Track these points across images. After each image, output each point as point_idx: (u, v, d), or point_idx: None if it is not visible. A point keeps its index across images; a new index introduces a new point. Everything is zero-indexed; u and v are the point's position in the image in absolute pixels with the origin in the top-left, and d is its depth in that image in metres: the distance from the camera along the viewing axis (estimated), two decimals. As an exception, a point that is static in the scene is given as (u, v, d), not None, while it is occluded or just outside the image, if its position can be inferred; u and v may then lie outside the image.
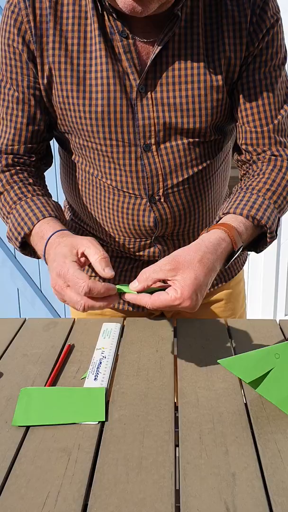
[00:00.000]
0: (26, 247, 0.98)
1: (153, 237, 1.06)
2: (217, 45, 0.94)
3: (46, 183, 1.07)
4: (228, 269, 1.17)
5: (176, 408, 0.78)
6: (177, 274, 0.79)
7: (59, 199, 1.12)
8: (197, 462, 0.67)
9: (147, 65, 0.92)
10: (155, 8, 0.85)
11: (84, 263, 0.85)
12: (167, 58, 0.93)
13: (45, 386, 0.84)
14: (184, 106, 0.95)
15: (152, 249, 1.08)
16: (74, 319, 1.07)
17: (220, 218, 0.93)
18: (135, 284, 0.81)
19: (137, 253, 1.09)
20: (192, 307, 0.79)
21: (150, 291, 0.81)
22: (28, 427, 0.74)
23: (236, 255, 0.89)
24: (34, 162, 1.03)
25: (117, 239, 1.07)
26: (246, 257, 1.24)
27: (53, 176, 1.77)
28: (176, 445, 0.70)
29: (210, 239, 0.85)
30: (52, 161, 1.10)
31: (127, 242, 1.07)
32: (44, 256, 0.89)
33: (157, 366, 0.88)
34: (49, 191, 1.05)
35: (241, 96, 0.97)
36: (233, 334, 0.99)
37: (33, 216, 0.93)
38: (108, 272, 0.81)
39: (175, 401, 0.80)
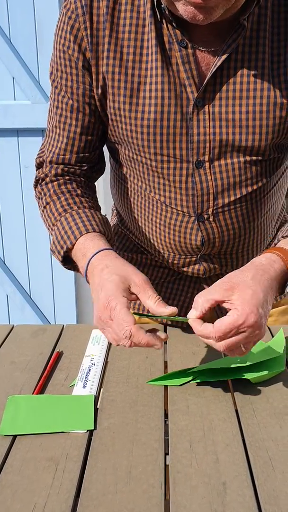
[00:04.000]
0: (68, 262, 0.93)
1: (198, 255, 1.02)
2: (284, 59, 0.87)
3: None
4: None
5: (166, 415, 0.77)
6: (233, 293, 0.75)
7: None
8: (187, 471, 0.66)
9: (207, 77, 0.86)
10: (218, 15, 0.78)
11: (133, 299, 0.80)
12: (228, 71, 0.87)
13: (33, 394, 0.82)
14: (243, 123, 0.89)
15: (197, 266, 1.04)
16: (63, 325, 1.05)
17: (279, 241, 0.88)
18: (193, 312, 0.76)
19: (181, 269, 1.05)
20: (258, 325, 0.73)
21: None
22: (15, 436, 0.73)
23: None
24: (85, 172, 0.99)
25: (161, 253, 1.04)
26: None
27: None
28: (166, 454, 0.69)
29: (260, 260, 0.81)
30: (105, 168, 1.06)
31: (171, 257, 1.03)
32: (86, 275, 0.85)
33: (147, 373, 0.87)
34: (98, 203, 1.01)
35: None
36: (224, 340, 0.98)
37: (77, 230, 0.89)
38: (170, 309, 0.76)
39: (165, 408, 0.79)
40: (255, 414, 0.76)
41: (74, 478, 0.65)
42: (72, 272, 2.30)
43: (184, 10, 0.78)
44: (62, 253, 0.91)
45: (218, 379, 0.83)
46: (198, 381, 0.83)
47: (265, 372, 0.83)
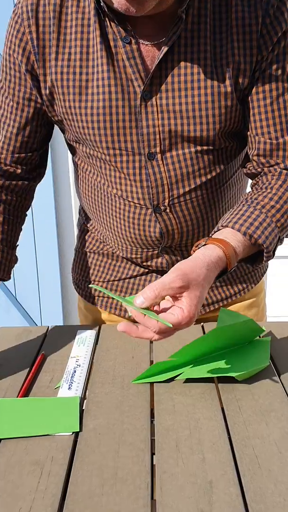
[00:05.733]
0: None
1: (160, 248, 1.02)
2: (225, 49, 0.89)
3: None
4: (250, 277, 1.13)
5: (152, 415, 0.76)
6: (185, 291, 0.76)
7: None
8: (173, 470, 0.65)
9: (152, 69, 0.88)
10: (151, 7, 0.80)
11: None
12: (172, 63, 0.89)
13: (17, 397, 0.81)
14: (190, 113, 0.90)
15: (159, 260, 1.05)
16: (48, 327, 1.04)
17: (218, 230, 0.88)
18: (141, 301, 0.75)
19: (144, 263, 1.06)
20: (191, 324, 0.76)
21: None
22: (-1, 440, 0.72)
23: (224, 275, 0.85)
24: (22, 174, 1.02)
25: (124, 248, 1.05)
26: (266, 269, 1.18)
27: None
28: (153, 454, 0.69)
29: (211, 257, 0.81)
30: (44, 174, 1.08)
31: (134, 251, 1.04)
32: None
33: (133, 373, 0.87)
34: (17, 222, 1.07)
35: (255, 104, 0.92)
36: (209, 338, 0.98)
37: None
38: None
39: (151, 408, 0.78)
40: (240, 412, 0.76)
41: (60, 481, 0.64)
42: (58, 273, 2.29)
43: (117, 2, 0.80)
44: None
45: (204, 376, 0.83)
46: (184, 377, 0.83)
47: (251, 369, 0.83)
